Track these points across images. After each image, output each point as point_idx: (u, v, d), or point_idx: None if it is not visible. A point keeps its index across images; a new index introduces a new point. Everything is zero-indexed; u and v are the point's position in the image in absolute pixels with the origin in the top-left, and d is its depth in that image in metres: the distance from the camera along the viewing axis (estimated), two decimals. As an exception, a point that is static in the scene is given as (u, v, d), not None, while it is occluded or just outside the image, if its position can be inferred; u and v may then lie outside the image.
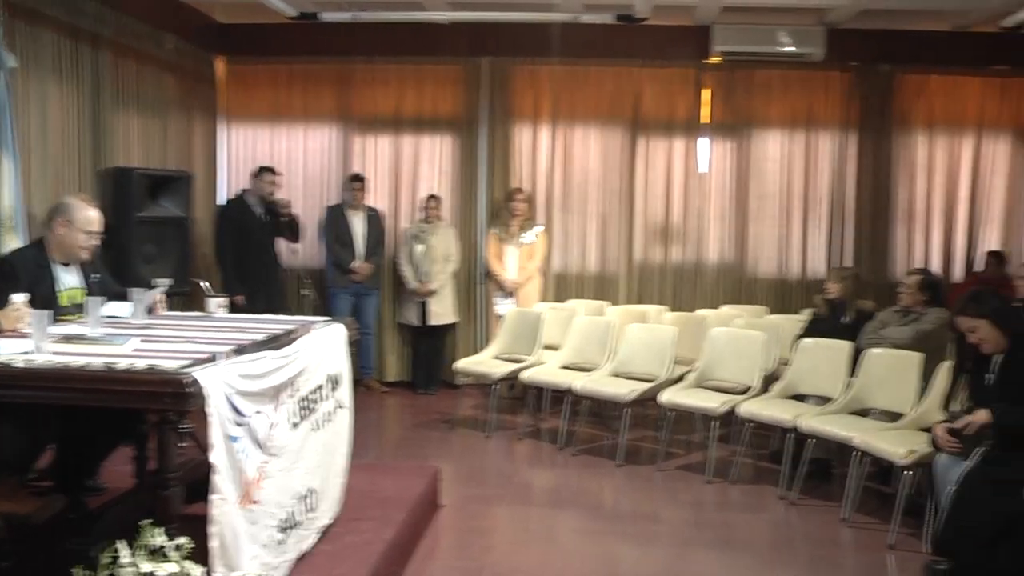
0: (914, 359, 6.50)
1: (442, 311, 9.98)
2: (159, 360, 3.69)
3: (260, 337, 4.60)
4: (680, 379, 7.74)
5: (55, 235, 5.19)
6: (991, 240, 10.29)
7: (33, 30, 6.85)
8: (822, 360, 7.14)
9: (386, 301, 10.27)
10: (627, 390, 7.54)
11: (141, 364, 3.62)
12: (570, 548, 5.87)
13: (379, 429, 8.82)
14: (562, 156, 10.34)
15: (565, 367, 8.34)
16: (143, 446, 5.20)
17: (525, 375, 8.27)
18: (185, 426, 3.59)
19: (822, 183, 10.31)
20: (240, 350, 4.13)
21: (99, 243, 5.42)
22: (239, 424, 3.68)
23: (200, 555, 3.39)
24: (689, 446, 7.99)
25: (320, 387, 4.69)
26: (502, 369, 8.47)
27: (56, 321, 4.44)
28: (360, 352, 9.71)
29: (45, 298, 4.79)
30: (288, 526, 4.19)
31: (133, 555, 3.19)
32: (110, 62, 7.90)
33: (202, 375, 3.49)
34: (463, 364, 8.90)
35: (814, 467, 6.81)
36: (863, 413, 6.66)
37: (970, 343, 5.29)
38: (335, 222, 9.81)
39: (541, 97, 10.32)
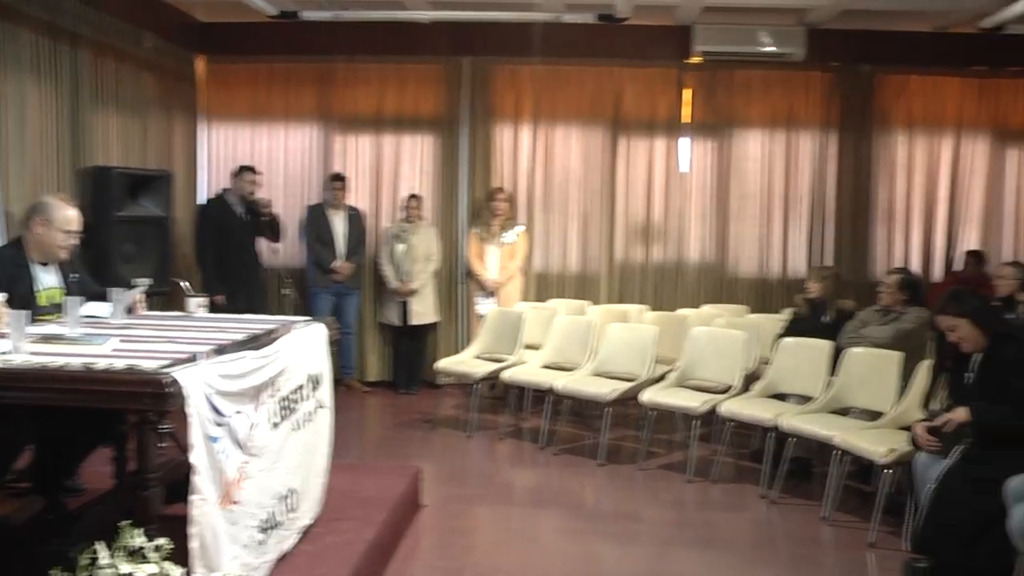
0: (894, 358, 6.52)
1: (423, 311, 9.96)
2: (139, 360, 3.67)
3: (240, 337, 4.58)
4: (661, 378, 7.76)
5: (33, 234, 5.17)
6: (970, 240, 10.34)
7: (11, 28, 6.81)
8: (803, 359, 7.16)
9: (367, 301, 10.25)
10: (608, 389, 7.55)
11: (120, 364, 3.61)
12: (551, 548, 5.87)
13: (360, 429, 8.81)
14: (543, 156, 10.34)
15: (546, 367, 8.34)
16: (123, 447, 5.18)
17: (506, 375, 8.27)
18: (165, 426, 3.57)
19: (803, 183, 10.34)
20: (220, 350, 4.12)
21: (78, 242, 5.40)
22: (219, 424, 3.66)
23: (180, 556, 3.37)
24: (670, 445, 8.01)
25: (301, 387, 4.67)
26: (483, 369, 8.46)
27: (34, 321, 4.42)
28: (341, 352, 9.71)
29: (23, 298, 4.78)
30: (269, 526, 4.17)
31: (112, 556, 3.17)
32: (89, 61, 7.86)
33: (182, 375, 3.48)
34: (444, 364, 8.89)
35: (795, 466, 6.84)
36: (843, 412, 6.69)
37: (950, 342, 5.32)
38: (316, 222, 9.78)
39: (522, 97, 10.32)
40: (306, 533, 4.75)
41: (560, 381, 7.85)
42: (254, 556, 3.99)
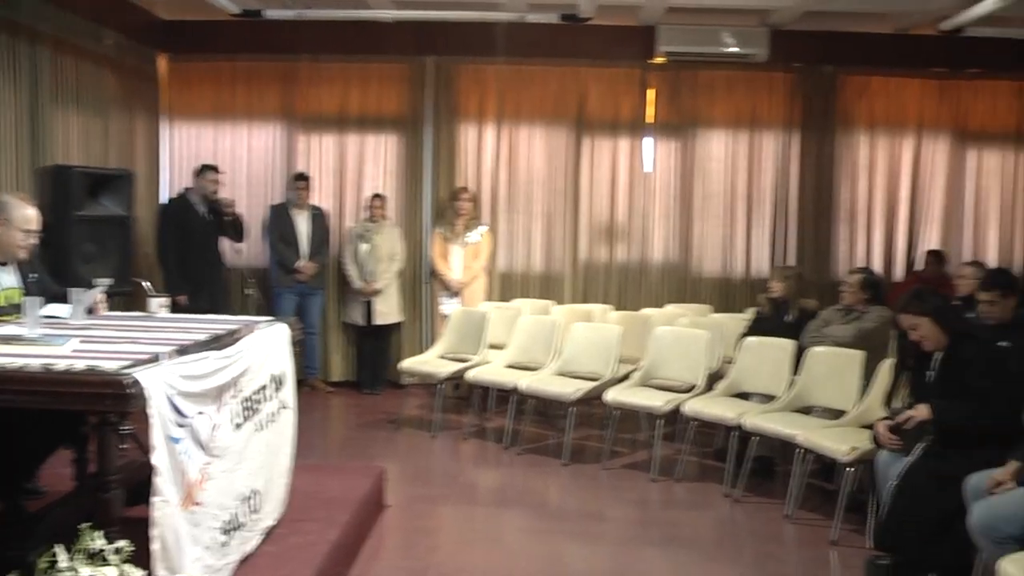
0: (856, 357, 6.57)
1: (387, 310, 9.94)
2: (99, 361, 3.64)
3: (202, 337, 4.55)
4: (625, 378, 7.77)
5: (-8, 234, 5.11)
6: (931, 239, 10.43)
7: (-32, 25, 6.74)
8: (766, 358, 7.19)
9: (331, 301, 10.21)
10: (572, 389, 7.56)
11: (81, 365, 3.57)
12: (516, 547, 5.87)
13: (324, 429, 8.78)
14: (507, 155, 10.34)
15: (510, 366, 8.34)
16: (83, 448, 5.13)
17: (470, 375, 8.26)
18: (126, 428, 3.54)
19: (766, 183, 10.39)
20: (182, 350, 4.09)
21: (37, 242, 5.35)
22: (181, 425, 3.64)
23: (142, 558, 3.35)
24: (634, 445, 8.03)
25: (263, 387, 4.65)
26: (447, 369, 8.45)
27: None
28: (305, 352, 9.67)
29: (-19, 298, 4.72)
30: (231, 528, 4.15)
31: (71, 559, 3.14)
32: (49, 58, 7.77)
33: (143, 376, 3.45)
34: (408, 364, 8.87)
35: (758, 464, 6.87)
36: (806, 411, 6.72)
37: (912, 340, 5.35)
38: (279, 221, 9.73)
39: (486, 96, 10.31)
40: (269, 534, 4.73)
41: (524, 381, 7.85)
42: (216, 558, 3.96)
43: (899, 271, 10.46)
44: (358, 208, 10.24)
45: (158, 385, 3.49)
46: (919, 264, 10.26)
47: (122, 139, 9.13)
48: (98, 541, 3.19)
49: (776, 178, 10.37)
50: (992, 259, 10.30)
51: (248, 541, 4.41)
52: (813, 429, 6.19)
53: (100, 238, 7.94)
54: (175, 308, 6.90)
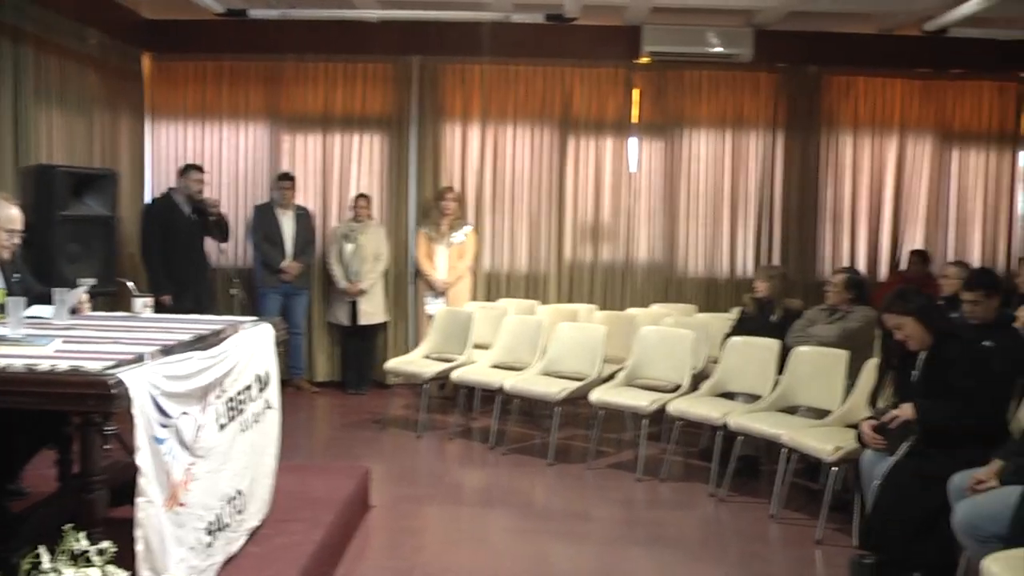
0: (840, 357, 6.58)
1: (372, 310, 9.93)
2: (83, 361, 3.62)
3: (187, 337, 4.54)
4: (610, 378, 7.78)
5: (-26, 234, 5.09)
6: (915, 239, 10.47)
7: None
8: (750, 358, 7.20)
9: (316, 301, 10.20)
10: (557, 389, 7.56)
11: (64, 365, 3.55)
12: (501, 547, 5.86)
13: (309, 429, 8.75)
14: (492, 155, 10.34)
15: (496, 366, 8.34)
16: (67, 449, 5.11)
17: (456, 375, 8.26)
18: (110, 428, 3.52)
19: (750, 183, 10.41)
20: (166, 351, 4.07)
21: (20, 242, 5.32)
22: (165, 426, 3.62)
23: (126, 559, 3.33)
24: (619, 444, 8.04)
25: (248, 388, 4.63)
26: (433, 369, 8.44)
27: (-24, 322, 4.35)
28: (290, 352, 9.66)
29: (-36, 299, 4.69)
30: (216, 528, 4.14)
31: (55, 561, 3.13)
32: (32, 57, 7.74)
33: (127, 376, 3.44)
34: (393, 364, 8.86)
35: (743, 464, 6.89)
36: (791, 410, 6.73)
37: (896, 340, 5.37)
38: (264, 221, 9.72)
39: (471, 96, 10.30)
40: (254, 535, 4.71)
41: (509, 381, 7.85)
42: (201, 559, 3.95)
43: (883, 271, 10.49)
44: (343, 208, 10.23)
45: (142, 385, 3.48)
46: (903, 264, 10.29)
47: (106, 139, 9.09)
48: (81, 542, 3.18)
49: (761, 178, 10.39)
50: (976, 259, 10.35)
51: (233, 542, 4.39)
52: (798, 429, 6.20)
53: (84, 238, 7.90)
54: (160, 308, 6.87)
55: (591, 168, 10.37)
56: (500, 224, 10.38)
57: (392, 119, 10.26)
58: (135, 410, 3.40)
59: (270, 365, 5.08)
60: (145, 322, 5.30)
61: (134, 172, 9.77)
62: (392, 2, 9.43)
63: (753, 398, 6.98)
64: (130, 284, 6.27)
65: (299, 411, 8.99)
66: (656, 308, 9.43)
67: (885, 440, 5.25)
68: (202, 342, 4.43)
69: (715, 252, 10.42)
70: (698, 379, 7.51)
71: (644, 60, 10.12)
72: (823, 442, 5.85)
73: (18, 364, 3.56)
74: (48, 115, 8.03)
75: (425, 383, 8.45)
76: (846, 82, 10.40)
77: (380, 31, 10.00)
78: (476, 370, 8.30)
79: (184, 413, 3.79)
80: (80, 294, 5.32)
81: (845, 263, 10.16)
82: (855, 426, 5.60)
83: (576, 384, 7.64)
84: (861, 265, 10.22)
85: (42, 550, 3.14)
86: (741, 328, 7.63)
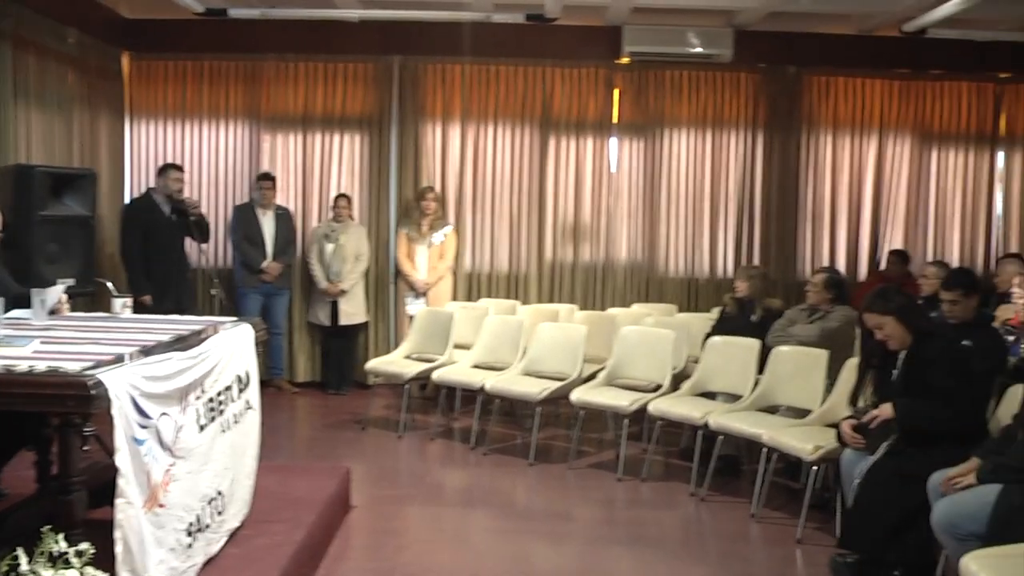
0: (820, 356, 6.59)
1: (353, 311, 9.92)
2: (62, 362, 3.61)
3: (166, 338, 4.52)
4: (591, 378, 7.78)
5: (-48, 234, 5.06)
6: (894, 239, 10.52)
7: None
8: (731, 358, 7.21)
9: (296, 301, 10.17)
10: (538, 389, 7.56)
11: (43, 366, 3.54)
12: (482, 547, 5.86)
13: (290, 430, 8.73)
14: (473, 155, 10.33)
15: (476, 366, 8.33)
16: (45, 450, 5.08)
17: (436, 375, 8.24)
18: (89, 429, 3.51)
19: (731, 183, 10.43)
20: (146, 351, 4.06)
21: (-1, 242, 5.29)
22: (144, 427, 3.61)
23: (106, 561, 3.32)
24: (600, 444, 8.04)
25: (228, 388, 4.62)
26: (413, 369, 8.43)
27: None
28: (270, 352, 9.64)
29: (-58, 299, 4.66)
30: (196, 529, 4.12)
31: (33, 563, 3.11)
32: (10, 56, 7.69)
33: (106, 377, 3.43)
34: (374, 364, 8.85)
35: (723, 464, 6.90)
36: (771, 410, 6.75)
37: (877, 340, 5.38)
38: (244, 221, 9.69)
39: (452, 96, 10.30)
40: (234, 536, 4.70)
41: (490, 381, 7.85)
42: (181, 560, 3.93)
43: (863, 271, 10.54)
44: (323, 208, 10.22)
45: (121, 386, 3.47)
46: (883, 264, 10.33)
47: (85, 138, 9.05)
48: (60, 544, 3.16)
49: (741, 178, 10.42)
50: (955, 259, 10.40)
51: (213, 543, 4.38)
52: (778, 428, 6.21)
53: (63, 238, 7.87)
54: (140, 309, 6.84)
55: (572, 168, 10.37)
56: (481, 224, 10.37)
57: (373, 119, 10.25)
58: (114, 411, 3.39)
59: (250, 365, 5.06)
60: (124, 322, 5.28)
61: (113, 172, 9.74)
62: (373, 2, 9.42)
63: (733, 398, 6.99)
64: (109, 284, 6.25)
65: (280, 411, 8.98)
66: (637, 308, 9.45)
67: (865, 439, 5.26)
68: (182, 342, 4.42)
69: (695, 252, 10.44)
70: (679, 379, 7.52)
71: (625, 60, 10.14)
72: (803, 441, 5.87)
73: (-4, 365, 3.55)
74: (27, 114, 7.99)
75: (406, 383, 8.44)
76: (826, 82, 10.44)
77: (361, 31, 9.98)
78: (457, 370, 8.29)
79: (164, 414, 3.78)
80: (59, 294, 5.29)
81: (825, 263, 10.21)
82: (835, 425, 5.61)
83: (557, 384, 7.64)
84: (841, 265, 10.26)
85: (20, 552, 3.12)
86: (721, 328, 7.65)
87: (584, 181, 10.37)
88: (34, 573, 3.09)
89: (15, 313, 4.90)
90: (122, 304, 5.56)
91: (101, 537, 3.36)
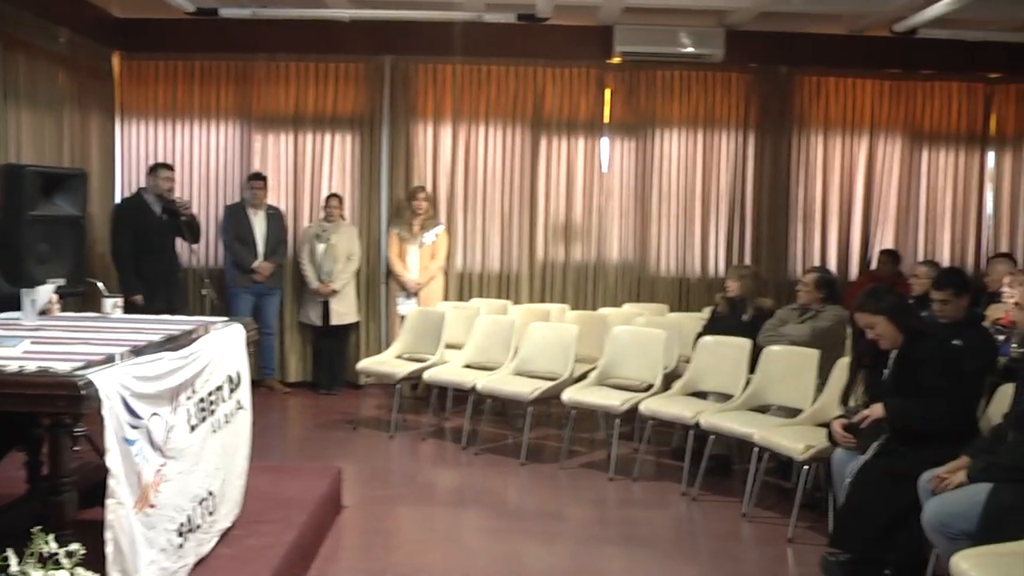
0: (811, 356, 6.60)
1: (344, 311, 9.91)
2: (52, 362, 3.60)
3: (157, 338, 4.51)
4: (582, 377, 7.78)
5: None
6: (886, 239, 10.53)
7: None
8: (722, 358, 7.21)
9: (288, 301, 10.16)
10: (530, 388, 7.56)
11: (33, 366, 3.53)
12: (474, 547, 5.86)
13: (281, 430, 8.72)
14: (464, 155, 10.33)
15: (468, 366, 8.33)
16: (36, 451, 5.07)
17: (428, 374, 8.24)
18: (79, 429, 3.50)
19: (722, 183, 10.45)
20: (137, 351, 4.05)
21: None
22: (135, 427, 3.60)
23: (96, 561, 3.31)
24: (592, 444, 8.05)
25: (219, 388, 4.61)
26: (405, 369, 8.43)
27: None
28: (262, 352, 9.64)
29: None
30: (187, 530, 4.11)
31: (23, 563, 3.10)
32: (0, 56, 7.67)
33: (97, 377, 3.42)
34: (366, 364, 8.84)
35: (715, 463, 6.90)
36: (763, 409, 6.75)
37: (868, 339, 5.39)
38: (235, 221, 9.68)
39: (443, 96, 10.29)
40: (225, 536, 4.69)
41: (482, 380, 7.84)
42: (172, 560, 3.93)
43: (854, 270, 10.55)
44: (315, 208, 10.20)
45: (112, 386, 3.46)
46: (874, 263, 10.35)
47: (76, 138, 9.03)
48: (50, 544, 3.15)
49: (732, 178, 10.43)
50: (945, 258, 10.43)
51: (204, 543, 4.37)
52: (769, 428, 6.22)
53: (54, 238, 7.83)
54: (132, 308, 6.81)
55: (563, 168, 10.37)
56: (472, 224, 10.37)
57: (364, 119, 10.24)
58: (105, 411, 3.39)
59: (241, 365, 5.06)
60: (115, 323, 5.27)
61: (104, 172, 9.72)
62: (364, 1, 9.41)
63: (725, 397, 7.00)
64: (100, 284, 6.23)
65: (271, 411, 8.97)
66: (628, 308, 9.47)
67: (856, 439, 5.27)
68: (173, 342, 4.41)
69: (687, 252, 10.45)
70: (670, 378, 7.53)
71: (616, 60, 10.15)
72: (794, 441, 5.88)
73: (-13, 365, 3.54)
74: (17, 114, 7.97)
75: (397, 383, 8.43)
76: (817, 82, 10.46)
77: (352, 30, 9.97)
78: (448, 370, 8.29)
79: (155, 414, 3.77)
80: (49, 294, 5.28)
81: (816, 263, 10.22)
82: (826, 425, 5.62)
83: (548, 384, 7.64)
84: (832, 265, 10.29)
85: (10, 553, 3.11)
86: (713, 327, 7.66)
87: (575, 181, 10.38)
88: (24, 574, 3.08)
89: (5, 313, 4.89)
90: (112, 304, 5.55)
91: (92, 538, 3.35)
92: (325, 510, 5.76)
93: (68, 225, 7.99)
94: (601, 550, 5.77)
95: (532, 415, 7.68)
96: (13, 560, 3.10)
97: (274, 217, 9.79)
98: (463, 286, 10.30)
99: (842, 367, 6.10)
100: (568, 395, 7.42)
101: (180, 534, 4.03)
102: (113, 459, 3.43)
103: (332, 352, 10.09)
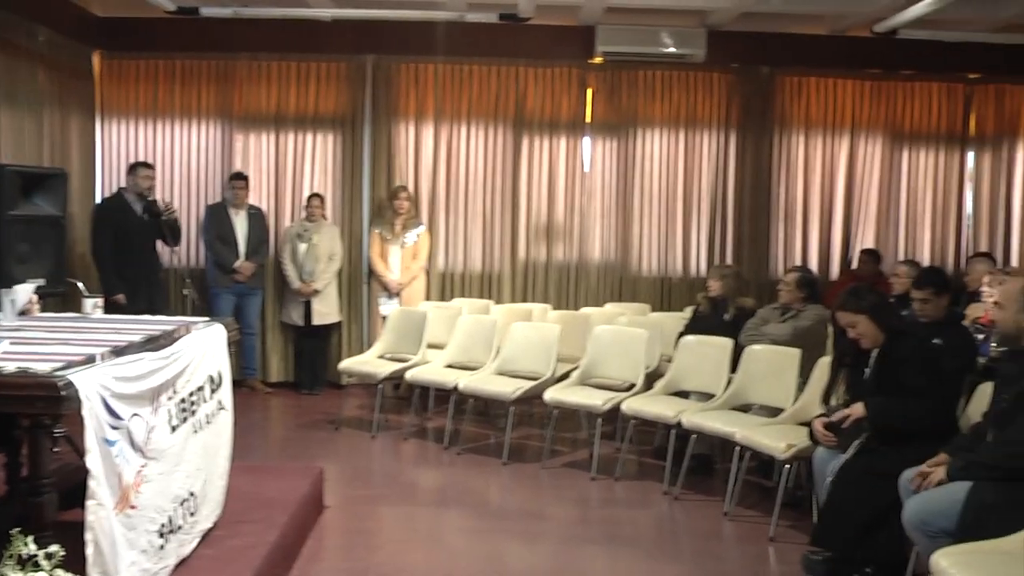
0: (793, 355, 6.62)
1: (326, 310, 9.89)
2: (32, 363, 3.58)
3: (138, 338, 4.49)
4: (564, 377, 7.79)
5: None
6: (866, 239, 10.57)
7: None
8: (704, 357, 7.23)
9: (269, 301, 10.14)
10: (512, 388, 7.56)
11: (12, 367, 3.51)
12: (456, 547, 5.86)
13: (263, 430, 8.70)
14: (446, 155, 10.32)
15: (450, 366, 8.32)
16: (15, 452, 5.04)
17: (410, 374, 8.23)
18: (59, 430, 3.49)
19: (703, 182, 10.47)
20: (117, 351, 4.03)
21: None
22: (116, 427, 3.59)
23: (76, 563, 3.30)
24: (574, 443, 8.05)
25: (200, 389, 4.60)
26: (387, 369, 8.42)
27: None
28: (243, 352, 9.61)
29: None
30: (168, 531, 4.10)
31: (1, 565, 3.09)
32: (-22, 54, 7.66)
33: (77, 377, 3.40)
34: (348, 364, 8.83)
35: (697, 462, 6.91)
36: (744, 409, 6.77)
37: (849, 338, 5.41)
38: (217, 221, 9.65)
39: (425, 95, 10.28)
40: (207, 537, 4.67)
41: (464, 380, 7.84)
42: (153, 562, 3.91)
43: (835, 270, 10.60)
44: (296, 208, 10.19)
45: (92, 387, 3.44)
46: (855, 263, 10.38)
47: (56, 137, 8.99)
48: (30, 546, 3.14)
49: (714, 178, 10.45)
50: (926, 258, 10.48)
51: (185, 544, 4.36)
52: (751, 427, 6.23)
53: (34, 238, 7.79)
54: (114, 307, 6.78)
55: (545, 168, 10.38)
56: (454, 224, 10.36)
57: (346, 118, 10.22)
58: (85, 412, 3.37)
59: (223, 366, 5.04)
60: (95, 323, 5.25)
61: (85, 171, 9.68)
62: (346, 1, 9.39)
63: (706, 396, 7.01)
64: (80, 285, 6.21)
65: (253, 412, 8.95)
66: (610, 307, 9.48)
67: (837, 437, 5.29)
68: (153, 343, 4.40)
69: (669, 251, 10.47)
70: (652, 378, 7.54)
71: (598, 60, 10.16)
72: (776, 440, 5.89)
73: (-35, 366, 3.52)
74: (-6, 113, 7.94)
75: (379, 383, 8.42)
76: (798, 82, 10.49)
77: (334, 30, 9.96)
78: (430, 370, 8.28)
79: (135, 415, 3.76)
80: (29, 294, 5.25)
81: (797, 262, 10.26)
82: (808, 424, 5.64)
83: (530, 383, 7.64)
84: (813, 264, 10.32)
85: (-11, 554, 3.10)
86: (694, 327, 7.67)
87: (557, 181, 10.38)
88: (3, 576, 3.07)
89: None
90: (93, 304, 5.53)
91: (72, 539, 3.34)
92: (307, 510, 5.75)
93: (48, 225, 7.95)
94: (583, 549, 5.78)
95: (514, 415, 7.68)
96: (-8, 562, 3.09)
97: (255, 217, 9.76)
98: (445, 286, 10.29)
99: (823, 366, 6.12)
100: (550, 395, 7.42)
101: (161, 535, 4.01)
102: (93, 460, 3.42)
103: (314, 352, 10.07)
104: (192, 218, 10.04)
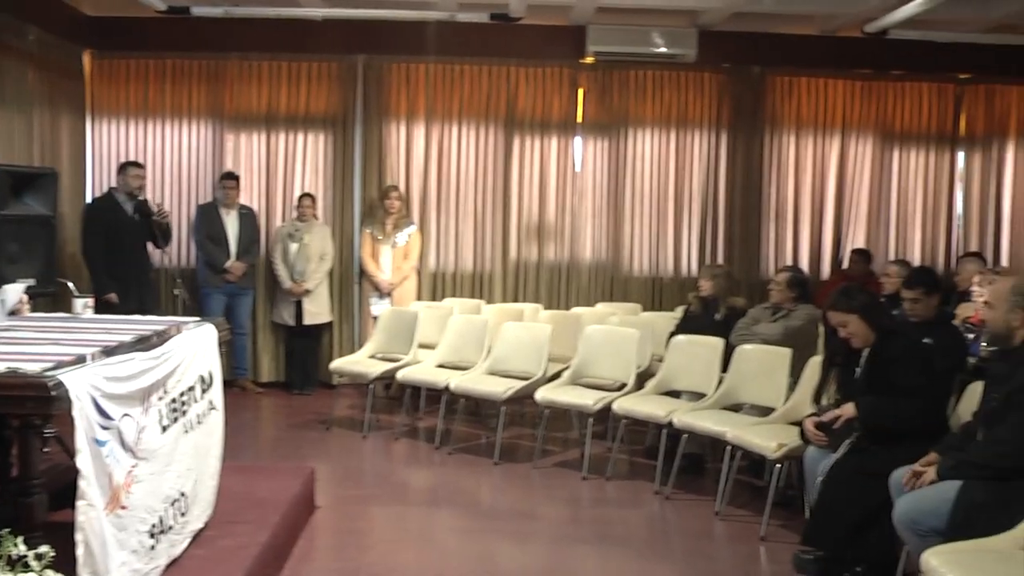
0: (784, 355, 6.62)
1: (317, 310, 9.88)
2: (22, 363, 3.57)
3: (128, 338, 4.49)
4: (556, 377, 7.78)
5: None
6: (857, 238, 10.60)
7: None
8: (695, 357, 7.23)
9: (260, 301, 10.12)
10: (503, 388, 7.55)
11: (1, 367, 3.50)
12: (448, 547, 5.85)
13: (254, 430, 8.69)
14: (437, 155, 10.31)
15: (441, 366, 8.32)
16: (5, 452, 5.03)
17: (401, 374, 8.23)
18: (49, 430, 3.48)
19: (695, 182, 10.48)
20: (108, 351, 4.03)
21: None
22: (106, 428, 3.58)
23: (67, 564, 3.29)
24: (565, 443, 8.05)
25: (191, 389, 4.59)
26: (378, 368, 8.41)
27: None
28: (234, 352, 9.60)
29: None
30: (159, 531, 4.09)
31: (-8, 565, 3.09)
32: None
33: (67, 378, 3.40)
34: (339, 364, 8.82)
35: (688, 462, 6.92)
36: (735, 408, 6.77)
37: (840, 338, 5.42)
38: (208, 221, 9.63)
39: (416, 95, 10.27)
40: (198, 537, 4.67)
41: (455, 380, 7.84)
42: (144, 562, 3.91)
43: (826, 270, 10.61)
44: (287, 207, 10.17)
45: (82, 387, 3.44)
46: (845, 263, 10.41)
47: (46, 137, 8.97)
48: (20, 547, 3.13)
49: (705, 178, 10.46)
50: (916, 258, 10.50)
51: (176, 544, 4.35)
52: (742, 426, 6.24)
53: (24, 238, 7.78)
54: (105, 307, 6.76)
55: (536, 167, 10.38)
56: (445, 223, 10.36)
57: (337, 118, 10.21)
58: (75, 412, 3.37)
59: (213, 366, 5.03)
60: (86, 323, 5.24)
61: (75, 171, 9.66)
62: (337, 1, 9.38)
63: (698, 396, 7.01)
64: (70, 284, 6.20)
65: (244, 412, 8.93)
66: (601, 307, 9.48)
67: (828, 437, 5.30)
68: (144, 343, 4.39)
69: (660, 251, 10.47)
70: (643, 378, 7.54)
71: (589, 60, 10.16)
72: (767, 439, 5.90)
73: (-45, 366, 3.51)
74: (-16, 112, 7.92)
75: (371, 383, 8.42)
76: (789, 82, 10.51)
77: (325, 29, 9.95)
78: (422, 370, 8.28)
79: (126, 415, 3.75)
80: (19, 294, 5.24)
81: (788, 262, 10.27)
82: (799, 423, 5.65)
83: (522, 383, 7.64)
84: (804, 264, 10.34)
85: (-21, 555, 3.10)
86: (686, 327, 7.68)
87: (548, 181, 10.38)
88: (-7, 576, 3.07)
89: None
90: (83, 304, 5.52)
91: (62, 540, 3.34)
92: (298, 510, 5.75)
93: (38, 225, 7.94)
94: (574, 549, 5.78)
95: (505, 414, 7.68)
96: (-18, 562, 3.08)
97: (246, 217, 9.75)
98: (436, 286, 10.29)
99: (814, 366, 6.13)
100: (541, 394, 7.42)
101: (152, 535, 4.01)
102: (84, 460, 3.41)
103: (305, 352, 10.06)
104: (183, 218, 10.02)
